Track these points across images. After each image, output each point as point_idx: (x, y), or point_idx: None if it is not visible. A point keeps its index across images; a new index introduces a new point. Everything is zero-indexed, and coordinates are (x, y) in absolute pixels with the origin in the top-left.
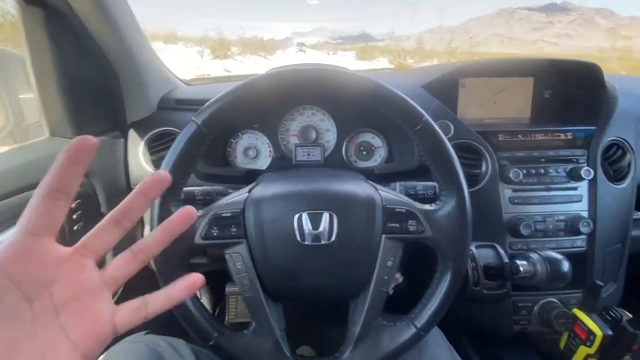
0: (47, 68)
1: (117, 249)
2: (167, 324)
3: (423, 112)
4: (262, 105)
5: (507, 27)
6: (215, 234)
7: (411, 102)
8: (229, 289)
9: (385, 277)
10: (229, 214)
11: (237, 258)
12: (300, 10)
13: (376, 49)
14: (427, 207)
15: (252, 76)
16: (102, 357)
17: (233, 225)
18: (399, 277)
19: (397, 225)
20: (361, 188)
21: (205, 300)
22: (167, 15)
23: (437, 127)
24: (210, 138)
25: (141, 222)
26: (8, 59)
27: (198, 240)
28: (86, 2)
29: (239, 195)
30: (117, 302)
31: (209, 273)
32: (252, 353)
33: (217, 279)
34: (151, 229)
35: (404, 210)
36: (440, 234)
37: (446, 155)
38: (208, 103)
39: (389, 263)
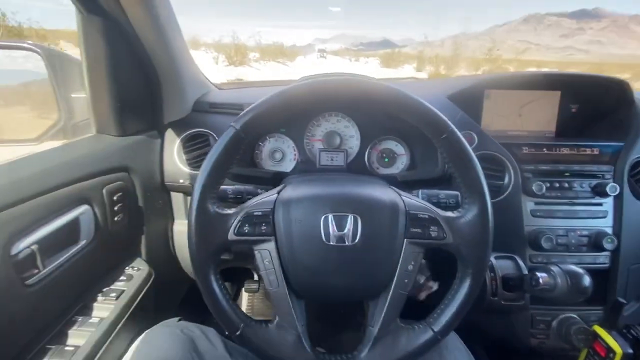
0: (101, 71)
1: (150, 241)
2: (198, 312)
3: (449, 122)
4: (291, 111)
5: (535, 33)
6: (246, 230)
7: (437, 112)
8: (247, 285)
9: (406, 280)
10: (260, 213)
11: (265, 255)
12: (323, 17)
13: (401, 55)
14: (449, 214)
15: (281, 82)
16: (140, 338)
17: (263, 224)
18: (434, 285)
19: (419, 230)
20: (385, 193)
21: None
22: (192, 21)
23: (462, 137)
24: (246, 142)
25: (171, 216)
26: (65, 61)
27: (231, 236)
28: (141, 13)
29: (269, 196)
30: (149, 290)
31: (228, 270)
32: (274, 345)
33: (236, 277)
34: (189, 226)
35: (426, 216)
36: (461, 241)
37: (470, 164)
38: (246, 110)
39: (410, 267)
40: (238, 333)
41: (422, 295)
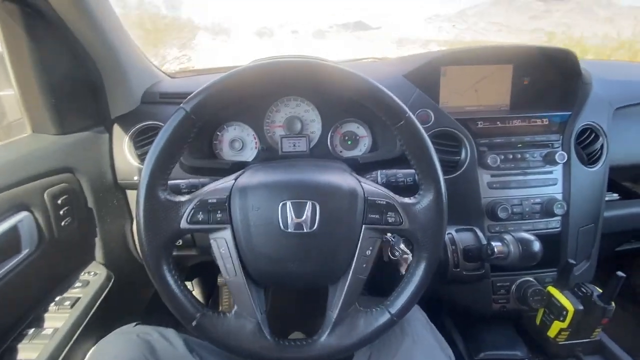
0: (26, 65)
1: (107, 242)
2: (157, 314)
3: (406, 108)
4: (247, 97)
5: (506, 15)
6: (200, 218)
7: (395, 98)
8: (221, 279)
9: (364, 265)
10: (215, 200)
11: (221, 243)
12: None
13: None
14: (406, 200)
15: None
16: (93, 348)
17: (219, 211)
18: (409, 256)
19: (377, 216)
20: (344, 180)
21: (197, 292)
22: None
23: (418, 124)
24: (198, 126)
25: (129, 215)
26: None
27: (184, 224)
28: (64, 1)
29: (225, 183)
30: (110, 294)
31: (200, 265)
32: (233, 334)
33: (209, 271)
34: (137, 215)
35: (384, 203)
36: (417, 226)
37: (426, 151)
38: (196, 91)
39: (368, 252)
40: (194, 324)
41: (403, 269)
